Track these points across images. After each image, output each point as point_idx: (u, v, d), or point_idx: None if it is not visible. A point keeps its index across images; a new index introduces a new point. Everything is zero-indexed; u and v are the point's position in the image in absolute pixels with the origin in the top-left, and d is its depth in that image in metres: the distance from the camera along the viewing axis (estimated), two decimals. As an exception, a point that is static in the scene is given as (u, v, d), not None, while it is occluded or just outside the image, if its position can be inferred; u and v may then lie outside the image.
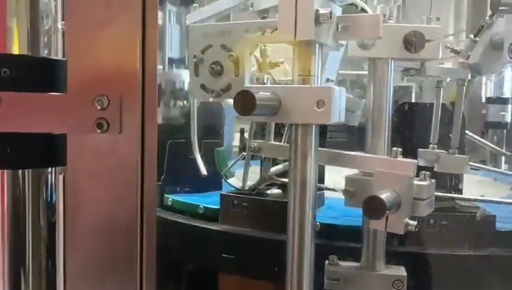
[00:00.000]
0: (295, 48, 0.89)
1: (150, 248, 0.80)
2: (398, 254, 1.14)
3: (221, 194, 1.30)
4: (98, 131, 0.75)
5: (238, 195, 1.28)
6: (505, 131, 3.84)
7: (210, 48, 1.06)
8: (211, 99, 1.82)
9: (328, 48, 0.95)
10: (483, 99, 4.06)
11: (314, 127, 0.90)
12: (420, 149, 1.30)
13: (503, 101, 3.87)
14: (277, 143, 1.14)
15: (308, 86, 0.88)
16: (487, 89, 4.17)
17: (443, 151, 1.28)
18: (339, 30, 0.90)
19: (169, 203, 1.45)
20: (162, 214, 1.42)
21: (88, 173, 0.77)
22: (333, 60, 1.19)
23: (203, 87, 1.07)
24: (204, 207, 1.34)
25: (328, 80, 1.21)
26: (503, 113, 3.95)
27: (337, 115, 0.87)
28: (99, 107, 0.75)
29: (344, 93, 0.89)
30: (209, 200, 1.39)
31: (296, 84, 0.90)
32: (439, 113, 1.29)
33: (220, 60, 1.05)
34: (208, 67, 1.06)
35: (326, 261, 1.10)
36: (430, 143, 1.31)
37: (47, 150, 0.78)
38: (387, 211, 0.90)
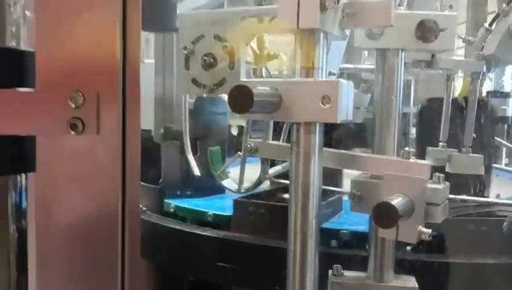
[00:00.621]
0: (297, 37, 0.80)
1: (133, 261, 0.70)
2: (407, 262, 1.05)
3: (234, 200, 1.20)
4: (72, 132, 0.65)
5: (253, 201, 1.18)
6: (505, 126, 3.75)
7: (202, 38, 0.96)
8: (204, 95, 1.73)
9: (333, 37, 0.85)
10: (483, 94, 3.98)
11: (318, 125, 0.80)
12: (429, 148, 1.20)
13: (504, 95, 3.79)
14: (276, 143, 1.05)
15: (312, 79, 0.78)
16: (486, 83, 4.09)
17: (454, 150, 1.19)
18: (346, 18, 0.80)
19: (172, 209, 1.34)
20: (161, 221, 1.32)
21: (61, 180, 0.67)
22: (336, 52, 1.09)
23: (194, 81, 0.97)
24: (214, 214, 1.24)
25: (330, 73, 1.12)
26: (504, 107, 3.86)
27: (344, 113, 0.78)
28: (73, 105, 0.65)
29: (352, 87, 0.80)
30: (216, 206, 1.30)
31: (298, 78, 0.80)
32: (450, 110, 1.20)
33: (213, 52, 0.95)
34: (200, 59, 0.96)
35: (330, 272, 1.00)
36: (440, 141, 1.21)
37: (13, 154, 0.68)
38: (399, 219, 0.80)
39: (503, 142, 2.00)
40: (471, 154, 1.12)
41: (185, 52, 0.97)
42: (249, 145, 1.00)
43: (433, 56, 1.06)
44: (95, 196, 0.67)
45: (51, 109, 0.66)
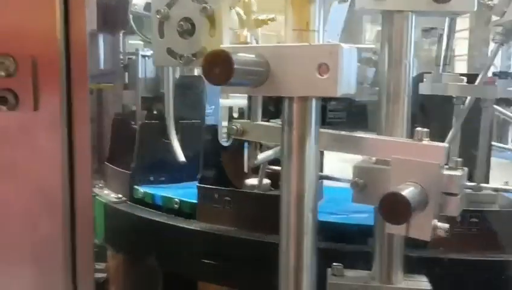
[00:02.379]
0: (288, -7, 0.66)
1: (84, 267, 0.57)
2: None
3: (198, 186, 1.06)
4: (3, 108, 0.52)
5: (217, 188, 1.04)
6: (512, 108, 3.61)
7: (178, 0, 0.82)
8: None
9: (331, -5, 0.71)
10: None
11: (314, 100, 0.66)
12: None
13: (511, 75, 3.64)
14: (266, 123, 0.91)
15: (307, 44, 0.64)
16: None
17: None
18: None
19: (140, 195, 1.21)
20: (132, 210, 1.19)
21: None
22: (336, 18, 0.95)
23: (169, 51, 0.83)
24: (180, 201, 1.11)
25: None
26: (510, 89, 3.71)
27: (346, 85, 0.64)
28: (2, 73, 0.51)
29: (355, 54, 0.66)
30: (187, 192, 1.16)
31: (290, 42, 0.66)
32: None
33: (191, 16, 0.81)
34: (176, 25, 0.82)
35: (329, 270, 0.87)
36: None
37: None
38: (412, 213, 0.67)
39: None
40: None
41: (158, 17, 0.83)
42: (234, 127, 0.86)
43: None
44: (33, 186, 0.54)
45: (-28, 78, 0.52)
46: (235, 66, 0.58)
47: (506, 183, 1.27)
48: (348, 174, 1.04)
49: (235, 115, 1.95)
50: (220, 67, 0.57)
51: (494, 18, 1.04)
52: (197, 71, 1.79)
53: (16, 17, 0.52)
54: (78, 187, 0.54)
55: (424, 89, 1.23)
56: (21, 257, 0.55)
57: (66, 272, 0.55)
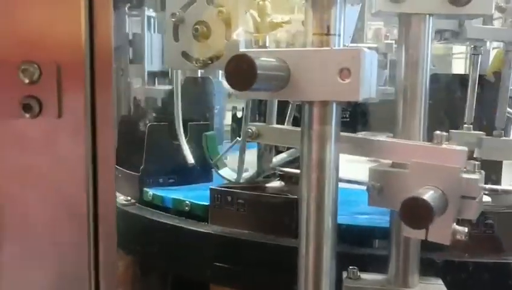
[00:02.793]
0: (308, -3, 0.65)
1: (108, 272, 0.56)
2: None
3: (211, 188, 1.06)
4: (26, 115, 0.51)
5: (231, 190, 1.04)
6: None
7: (193, 3, 0.81)
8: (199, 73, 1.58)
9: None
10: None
11: (335, 105, 0.66)
12: (453, 131, 1.06)
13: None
14: (282, 127, 0.90)
15: (328, 48, 0.64)
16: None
17: (481, 132, 1.05)
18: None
19: (150, 198, 1.20)
20: (141, 212, 1.19)
21: (13, 175, 0.53)
22: (348, 19, 0.94)
23: (184, 55, 0.82)
24: (191, 203, 1.10)
25: (341, 46, 0.97)
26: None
27: (367, 89, 0.64)
28: (26, 80, 0.51)
29: (376, 58, 0.65)
30: (197, 195, 1.16)
31: (311, 47, 0.65)
32: (476, 87, 1.06)
33: (206, 19, 0.80)
34: (191, 28, 0.81)
35: (344, 274, 0.87)
36: (465, 123, 1.07)
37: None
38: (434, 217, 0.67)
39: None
40: (505, 138, 0.98)
41: (173, 20, 0.82)
42: (249, 130, 0.86)
43: (461, 24, 0.91)
44: (57, 195, 0.53)
45: (-3, 86, 0.51)
46: (259, 72, 0.57)
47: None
48: (355, 174, 1.04)
49: (239, 114, 1.95)
50: (243, 73, 0.57)
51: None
52: (200, 72, 1.78)
53: (40, 23, 0.52)
54: (101, 195, 0.54)
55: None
56: (44, 266, 0.54)
57: (90, 281, 0.54)
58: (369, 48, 1.36)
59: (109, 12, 0.53)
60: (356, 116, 1.55)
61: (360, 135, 0.99)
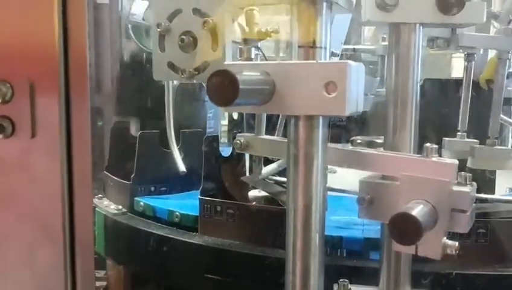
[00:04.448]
0: (294, 9, 0.64)
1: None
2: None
3: (200, 199, 1.04)
4: None
5: (220, 200, 1.02)
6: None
7: (179, 13, 0.80)
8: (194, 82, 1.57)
9: (338, 9, 0.69)
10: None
11: (321, 119, 0.64)
12: (446, 138, 1.05)
13: (508, 75, 3.62)
14: (270, 137, 0.89)
15: (313, 61, 0.62)
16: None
17: (474, 140, 1.03)
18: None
19: (141, 208, 1.19)
20: (131, 222, 1.17)
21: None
22: (339, 28, 0.93)
23: (170, 65, 0.81)
24: (180, 214, 1.09)
25: (332, 54, 0.96)
26: (510, 88, 3.69)
27: (354, 103, 0.62)
28: (-2, 100, 0.49)
29: (363, 71, 0.64)
30: (188, 204, 1.14)
31: (296, 59, 0.64)
32: (469, 94, 1.04)
33: (193, 30, 0.79)
34: (177, 39, 0.80)
35: (335, 286, 0.86)
36: (458, 131, 1.06)
37: None
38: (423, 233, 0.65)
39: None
40: (498, 147, 0.96)
41: (159, 30, 0.81)
42: (238, 142, 0.84)
43: (453, 32, 0.90)
44: (32, 216, 0.52)
45: (-32, 106, 0.50)
46: (241, 87, 0.56)
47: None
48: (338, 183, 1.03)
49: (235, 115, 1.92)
50: (225, 89, 0.56)
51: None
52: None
53: (11, 37, 0.50)
54: (77, 215, 0.52)
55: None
56: (21, 289, 0.53)
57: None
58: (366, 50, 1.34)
59: (84, 24, 0.52)
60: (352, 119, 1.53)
61: (358, 138, 0.97)
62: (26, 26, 0.50)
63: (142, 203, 1.19)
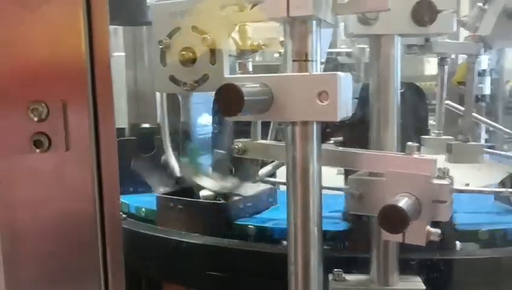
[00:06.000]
0: (287, 27, 0.71)
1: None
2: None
3: (157, 196, 1.15)
4: (37, 150, 0.56)
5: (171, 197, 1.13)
6: (484, 104, 3.74)
7: (178, 30, 0.87)
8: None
9: (325, 25, 0.76)
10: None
11: (315, 124, 0.72)
12: (424, 136, 1.14)
13: (479, 74, 3.78)
14: (266, 142, 0.96)
15: (307, 73, 0.70)
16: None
17: (450, 137, 1.12)
18: (339, 2, 0.72)
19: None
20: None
21: (26, 208, 0.57)
22: (324, 39, 1.01)
23: (172, 79, 0.88)
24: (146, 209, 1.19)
25: (317, 62, 1.03)
26: (480, 86, 3.85)
27: (344, 109, 0.70)
28: (35, 119, 0.56)
29: (351, 80, 0.72)
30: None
31: (291, 72, 0.71)
32: (444, 95, 1.13)
33: (192, 45, 0.86)
34: (178, 54, 0.87)
35: (330, 276, 0.93)
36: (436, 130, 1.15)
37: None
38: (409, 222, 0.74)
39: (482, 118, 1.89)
40: (472, 143, 1.05)
41: (161, 46, 0.87)
42: (236, 147, 0.92)
43: (427, 40, 0.99)
44: (68, 224, 0.58)
45: (9, 125, 0.56)
46: (245, 98, 0.63)
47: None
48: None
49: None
50: (231, 101, 0.63)
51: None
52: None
53: (45, 62, 0.56)
54: (108, 221, 0.59)
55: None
56: None
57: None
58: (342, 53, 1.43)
59: (107, 47, 0.58)
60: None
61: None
62: (56, 49, 0.56)
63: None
